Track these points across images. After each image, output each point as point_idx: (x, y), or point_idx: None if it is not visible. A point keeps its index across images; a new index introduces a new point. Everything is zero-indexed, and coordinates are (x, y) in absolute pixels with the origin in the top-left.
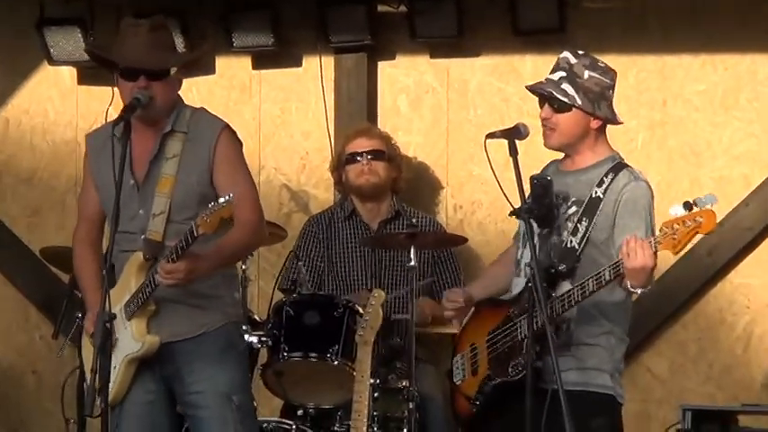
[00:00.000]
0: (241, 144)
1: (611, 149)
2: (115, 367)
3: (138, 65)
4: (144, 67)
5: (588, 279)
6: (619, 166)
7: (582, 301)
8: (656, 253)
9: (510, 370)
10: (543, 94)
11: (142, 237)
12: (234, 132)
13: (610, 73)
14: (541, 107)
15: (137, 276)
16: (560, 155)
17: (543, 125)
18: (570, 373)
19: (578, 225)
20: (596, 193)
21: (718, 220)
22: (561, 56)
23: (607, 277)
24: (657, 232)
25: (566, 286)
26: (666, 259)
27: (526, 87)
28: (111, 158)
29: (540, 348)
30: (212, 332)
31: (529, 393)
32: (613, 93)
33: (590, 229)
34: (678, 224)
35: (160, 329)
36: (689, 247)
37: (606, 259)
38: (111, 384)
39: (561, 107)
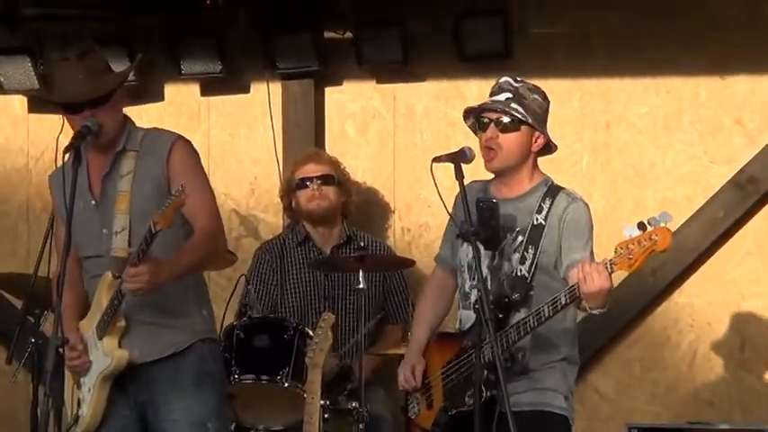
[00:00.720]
0: (197, 154)
1: (543, 174)
2: (90, 390)
3: (78, 98)
4: (83, 100)
5: (543, 305)
6: (553, 189)
7: (537, 328)
8: (611, 274)
9: (467, 399)
10: (492, 112)
11: (110, 256)
12: (188, 142)
13: (546, 99)
14: (484, 130)
15: (107, 294)
16: (483, 176)
17: (487, 147)
18: (526, 394)
19: (525, 254)
20: (537, 219)
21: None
22: (502, 80)
23: (563, 302)
24: (612, 252)
25: (521, 315)
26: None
27: (466, 110)
28: (63, 188)
29: (495, 377)
30: (184, 353)
31: (478, 416)
32: (548, 117)
33: (537, 255)
34: (633, 244)
35: (131, 349)
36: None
37: (557, 283)
38: (85, 410)
39: (507, 128)
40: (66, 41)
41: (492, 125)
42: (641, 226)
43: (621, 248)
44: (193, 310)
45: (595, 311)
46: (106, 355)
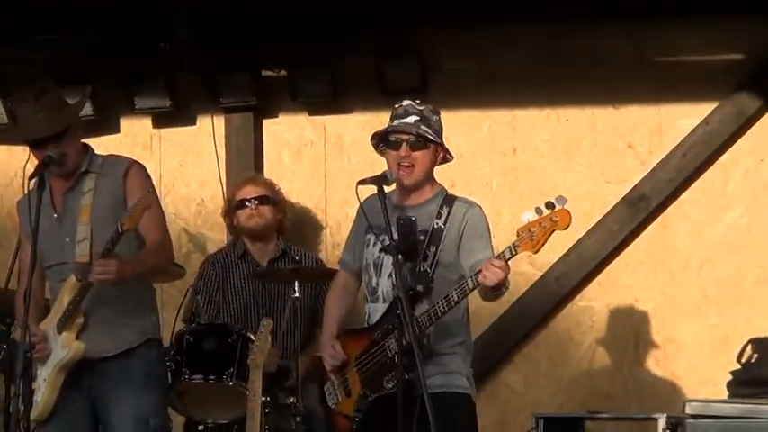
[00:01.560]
0: (149, 176)
1: (439, 184)
2: (45, 380)
3: (39, 136)
4: (41, 137)
5: (452, 290)
6: (449, 198)
7: (447, 312)
8: (514, 256)
9: (385, 384)
10: (405, 133)
11: (72, 263)
12: (142, 167)
13: (439, 116)
14: (396, 149)
15: (69, 295)
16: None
17: (400, 164)
18: (435, 377)
19: (427, 252)
20: (437, 224)
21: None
22: (405, 104)
23: (471, 286)
24: (514, 237)
25: (424, 305)
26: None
27: (377, 133)
28: (29, 208)
29: (409, 360)
30: (135, 351)
31: (401, 394)
32: None
33: (438, 254)
34: (534, 227)
35: (88, 344)
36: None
37: (454, 276)
38: (39, 398)
39: (417, 146)
40: (32, 81)
41: (404, 145)
42: (538, 211)
43: (523, 232)
44: (144, 314)
45: (502, 291)
46: (63, 347)
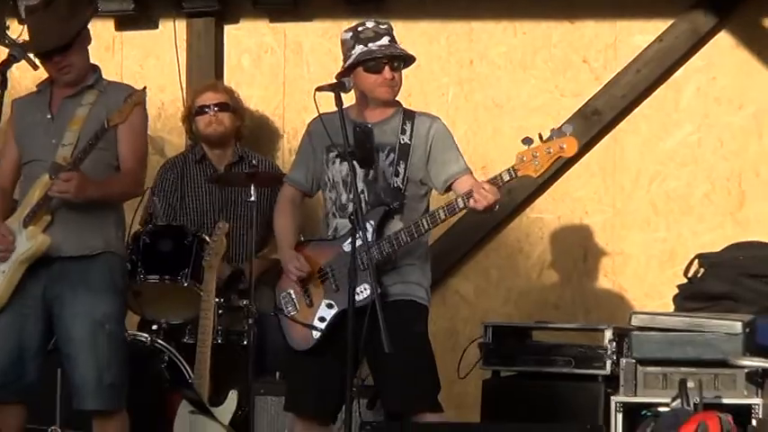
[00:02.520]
0: (145, 110)
1: (396, 100)
2: (4, 272)
3: (51, 46)
4: (56, 46)
5: (439, 209)
6: (409, 113)
7: (418, 237)
8: (512, 179)
9: (356, 295)
10: (400, 56)
11: (50, 162)
12: (144, 96)
13: None
14: (378, 72)
15: (40, 192)
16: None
17: (389, 85)
18: (396, 286)
19: (398, 168)
20: (403, 140)
21: (506, 168)
22: (371, 25)
23: (461, 205)
24: (515, 160)
25: (396, 222)
26: None
27: (380, 53)
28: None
29: (378, 276)
30: (97, 258)
31: (351, 308)
32: None
33: (407, 169)
34: (539, 151)
35: (51, 241)
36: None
37: (423, 191)
38: None
39: (398, 67)
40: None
41: (387, 67)
42: (540, 137)
43: (525, 156)
44: (110, 226)
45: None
46: (28, 239)
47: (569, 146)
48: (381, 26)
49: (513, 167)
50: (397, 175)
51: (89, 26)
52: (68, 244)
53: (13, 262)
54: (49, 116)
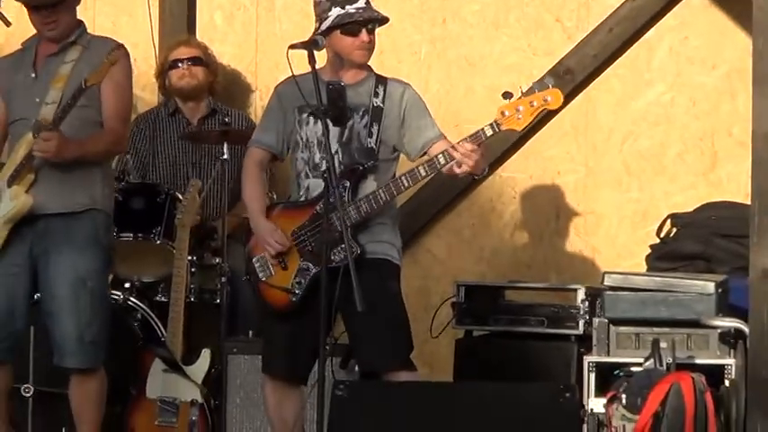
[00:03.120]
0: (130, 66)
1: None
2: None
3: (39, 2)
4: (45, 3)
5: (419, 166)
6: (381, 78)
7: (396, 196)
8: (491, 137)
9: (333, 257)
10: (377, 18)
11: (34, 120)
12: (127, 53)
13: None
14: (355, 35)
15: (23, 151)
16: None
17: (365, 48)
18: (369, 245)
19: (371, 129)
20: (376, 102)
21: (489, 123)
22: None
23: (422, 174)
24: (497, 114)
25: (370, 181)
26: None
27: (359, 16)
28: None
29: (354, 236)
30: (81, 215)
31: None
32: None
33: (380, 132)
34: (523, 105)
35: (35, 200)
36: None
37: (393, 155)
38: None
39: (373, 29)
40: None
41: (364, 30)
42: (521, 91)
43: (507, 110)
44: (97, 184)
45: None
46: (11, 199)
47: (554, 98)
48: None
49: (495, 121)
50: (370, 137)
51: None
52: (53, 201)
53: None
54: (33, 75)
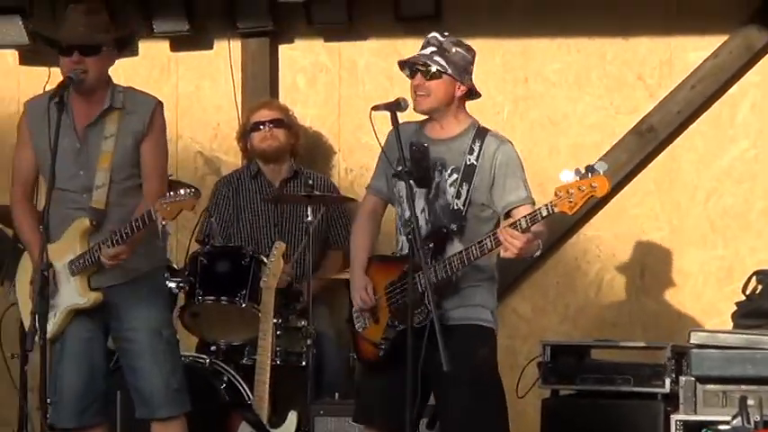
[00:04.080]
0: (165, 125)
1: (470, 117)
2: (55, 314)
3: (72, 42)
4: (76, 44)
5: (471, 246)
6: (481, 131)
7: (480, 257)
8: (546, 217)
9: (414, 318)
10: (418, 63)
11: (88, 200)
12: (163, 108)
13: (471, 51)
14: (413, 77)
15: (81, 240)
16: (416, 117)
17: (416, 92)
18: (458, 310)
19: (460, 189)
20: (470, 160)
21: (545, 204)
22: (430, 36)
23: (489, 246)
24: (553, 196)
25: (456, 244)
26: None
27: (399, 62)
28: (49, 127)
29: (438, 298)
30: (142, 276)
31: (410, 331)
32: (473, 69)
33: (470, 192)
34: (573, 189)
35: (99, 278)
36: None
37: (487, 214)
38: (50, 327)
39: (432, 75)
40: (54, 1)
41: (419, 74)
42: (577, 172)
43: (561, 192)
44: (153, 242)
45: (533, 257)
46: (80, 294)
47: (600, 186)
48: (440, 38)
49: (551, 203)
50: (458, 197)
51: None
52: (116, 277)
53: (64, 309)
54: (77, 145)
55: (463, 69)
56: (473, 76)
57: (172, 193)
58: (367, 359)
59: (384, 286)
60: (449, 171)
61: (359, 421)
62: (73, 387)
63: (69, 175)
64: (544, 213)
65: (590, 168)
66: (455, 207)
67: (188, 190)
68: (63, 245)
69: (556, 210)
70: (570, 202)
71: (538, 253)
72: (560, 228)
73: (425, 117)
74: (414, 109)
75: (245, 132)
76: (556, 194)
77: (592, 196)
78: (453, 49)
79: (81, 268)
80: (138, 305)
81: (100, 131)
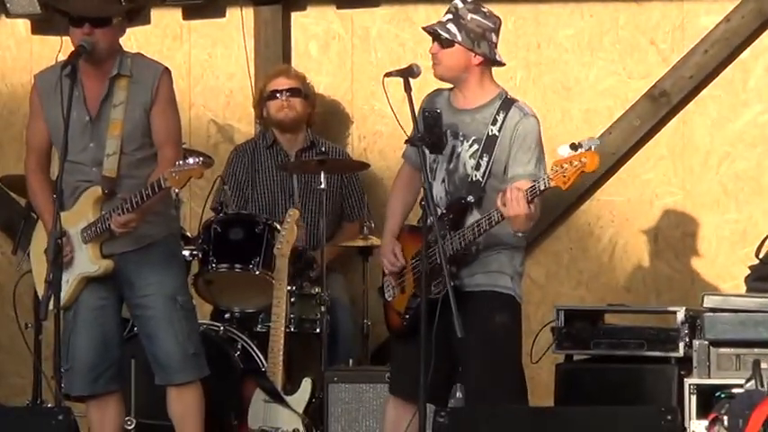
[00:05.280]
0: (173, 89)
1: (498, 86)
2: (68, 281)
3: (83, 13)
4: (87, 15)
5: (482, 219)
6: (507, 102)
7: (489, 229)
8: (544, 191)
9: (433, 288)
10: (430, 31)
11: (99, 171)
12: (170, 74)
13: (492, 18)
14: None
15: (93, 208)
16: (446, 84)
17: (432, 59)
18: (477, 276)
19: (480, 161)
20: (492, 131)
21: (542, 177)
22: (453, 2)
23: (496, 218)
24: (549, 166)
25: (475, 215)
26: None
27: (422, 28)
28: (61, 97)
29: (456, 269)
30: (155, 243)
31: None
32: (496, 36)
33: (490, 163)
34: (566, 164)
35: (112, 245)
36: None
37: (506, 186)
38: (62, 294)
39: (445, 43)
40: None
41: (435, 42)
42: (573, 147)
43: (557, 166)
44: (165, 212)
45: (519, 234)
46: (92, 262)
47: (590, 161)
48: (460, 4)
49: (547, 176)
50: (477, 169)
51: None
52: (128, 243)
53: (77, 277)
54: (87, 118)
55: (480, 36)
56: (495, 44)
57: (181, 162)
58: (394, 329)
59: (411, 256)
60: (470, 142)
61: (394, 393)
62: (85, 355)
63: (81, 147)
64: (542, 187)
65: (580, 144)
66: (474, 178)
67: (197, 158)
68: (75, 213)
69: (551, 184)
70: (564, 176)
71: (525, 233)
72: (572, 193)
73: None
74: (435, 75)
75: (262, 99)
76: (552, 168)
77: (582, 171)
78: (469, 16)
79: (93, 236)
80: (151, 272)
81: (110, 102)
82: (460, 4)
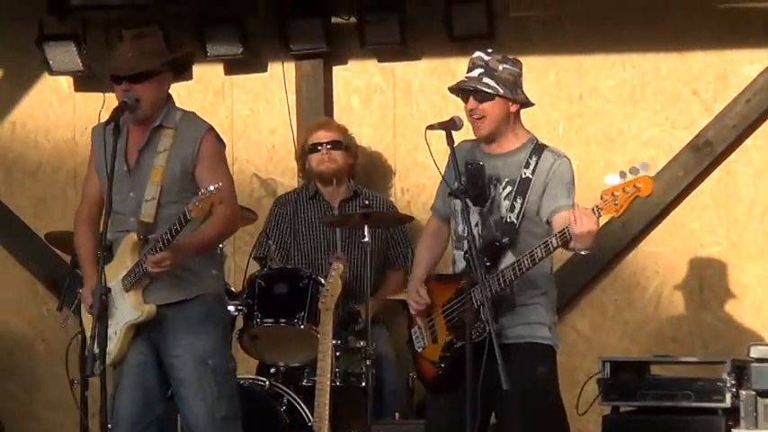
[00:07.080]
0: (224, 145)
1: (528, 132)
2: (116, 333)
3: (117, 72)
4: (121, 74)
5: (536, 248)
6: (539, 147)
7: (531, 268)
8: (599, 218)
9: (472, 333)
10: (468, 89)
11: (136, 219)
12: (217, 134)
13: (518, 63)
14: (466, 102)
15: (131, 254)
16: (472, 135)
17: (471, 116)
18: (516, 328)
19: (514, 203)
20: (525, 174)
21: (590, 208)
22: (475, 56)
23: (554, 244)
24: (598, 200)
25: (510, 257)
26: None
27: (450, 88)
28: (105, 151)
29: (495, 313)
30: (191, 301)
31: (469, 349)
32: (522, 81)
33: (525, 205)
34: (618, 191)
35: (152, 296)
36: (605, 221)
37: (540, 229)
38: (112, 348)
39: (485, 98)
40: (107, 28)
41: (471, 98)
42: (622, 175)
43: (607, 195)
44: (204, 271)
45: (582, 252)
46: (135, 308)
47: (645, 185)
48: (485, 57)
49: (597, 206)
50: (512, 210)
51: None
52: (165, 293)
53: (124, 326)
54: (125, 168)
55: (513, 85)
56: (523, 88)
57: (203, 190)
58: (428, 379)
59: (442, 304)
60: (503, 184)
61: None
62: (128, 413)
63: (121, 198)
64: (598, 214)
65: (634, 170)
66: (508, 220)
67: (216, 185)
68: (115, 264)
69: (602, 212)
70: (616, 204)
71: (590, 250)
72: (618, 244)
73: None
74: (474, 135)
75: (303, 153)
76: (602, 198)
77: (637, 196)
78: (500, 67)
79: (133, 282)
80: (184, 331)
81: (152, 150)
82: (486, 57)
